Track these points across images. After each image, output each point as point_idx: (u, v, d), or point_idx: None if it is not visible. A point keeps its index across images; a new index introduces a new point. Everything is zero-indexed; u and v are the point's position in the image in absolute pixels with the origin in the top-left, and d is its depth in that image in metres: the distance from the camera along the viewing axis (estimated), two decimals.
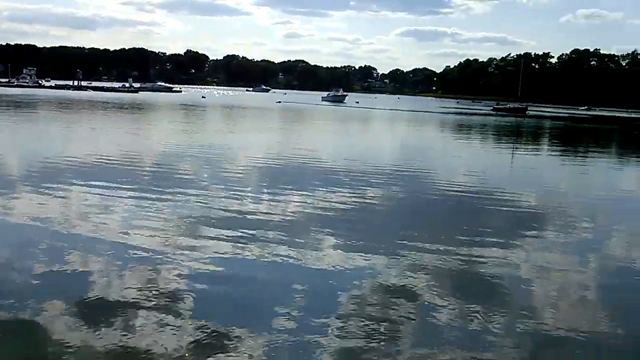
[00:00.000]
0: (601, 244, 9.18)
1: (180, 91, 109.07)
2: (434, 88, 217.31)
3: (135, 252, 7.42)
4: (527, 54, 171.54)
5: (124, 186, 11.76)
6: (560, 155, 27.14)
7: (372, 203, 11.58)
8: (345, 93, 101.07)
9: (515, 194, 13.47)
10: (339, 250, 7.93)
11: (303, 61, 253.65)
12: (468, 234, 9.17)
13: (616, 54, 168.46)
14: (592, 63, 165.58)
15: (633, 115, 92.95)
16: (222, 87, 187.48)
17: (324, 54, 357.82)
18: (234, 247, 7.84)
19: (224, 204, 10.56)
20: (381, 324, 5.55)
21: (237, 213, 9.87)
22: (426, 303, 6.15)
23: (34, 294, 5.86)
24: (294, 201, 11.22)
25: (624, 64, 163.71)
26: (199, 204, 10.43)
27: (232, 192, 11.64)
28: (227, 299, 6.09)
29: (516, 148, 29.37)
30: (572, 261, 8.02)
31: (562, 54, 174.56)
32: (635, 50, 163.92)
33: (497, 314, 5.91)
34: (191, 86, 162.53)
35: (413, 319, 5.72)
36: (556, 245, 8.83)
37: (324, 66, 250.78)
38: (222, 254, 7.52)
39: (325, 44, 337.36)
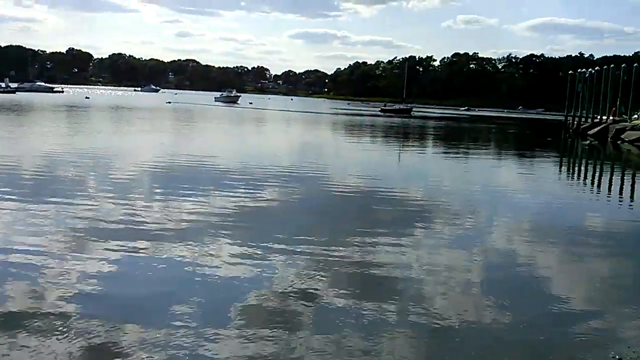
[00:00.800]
0: (484, 237, 9.84)
1: (62, 91, 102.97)
2: (326, 90, 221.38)
3: (22, 259, 7.01)
4: (412, 57, 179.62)
5: (1, 193, 11.02)
6: (442, 153, 28.79)
7: (267, 203, 11.63)
8: (238, 94, 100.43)
9: (404, 191, 14.16)
10: (236, 253, 7.88)
11: (194, 61, 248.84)
12: (362, 231, 9.47)
13: (493, 57, 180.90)
14: (471, 66, 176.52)
15: (509, 115, 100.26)
16: (108, 87, 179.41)
17: (216, 54, 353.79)
18: (124, 255, 7.60)
19: (110, 211, 10.17)
20: (281, 326, 5.59)
21: (124, 220, 9.55)
22: (323, 302, 6.27)
23: None
24: (187, 205, 11.01)
25: (500, 67, 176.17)
26: (82, 212, 9.97)
27: (119, 199, 11.19)
28: (117, 309, 5.88)
29: (402, 147, 30.75)
30: (457, 252, 8.50)
31: (444, 57, 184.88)
32: (510, 54, 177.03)
33: (392, 308, 6.14)
34: (74, 86, 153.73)
35: (311, 317, 5.83)
36: (442, 238, 9.35)
37: (216, 66, 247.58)
38: (111, 263, 7.25)
39: (216, 43, 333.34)
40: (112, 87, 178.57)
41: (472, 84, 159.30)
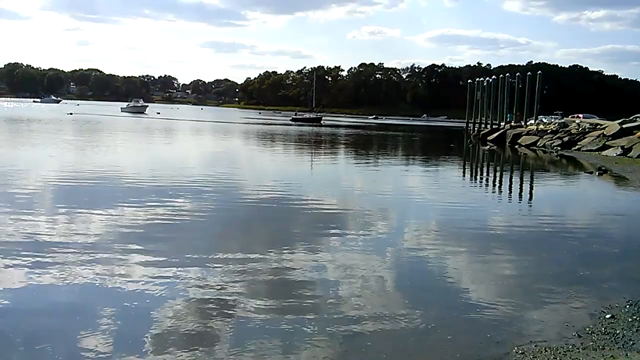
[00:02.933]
0: (395, 238, 10.17)
1: None
2: (236, 99, 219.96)
3: None
4: (321, 67, 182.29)
5: None
6: (353, 160, 29.42)
7: (180, 216, 11.34)
8: (145, 104, 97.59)
9: (318, 198, 14.31)
10: (147, 267, 7.63)
11: (97, 70, 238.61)
12: (275, 241, 9.50)
13: (397, 67, 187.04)
14: (377, 76, 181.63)
15: (414, 123, 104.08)
16: (4, 98, 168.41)
17: (120, 63, 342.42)
18: (27, 274, 7.19)
19: (16, 227, 9.53)
20: (198, 342, 5.49)
21: (31, 237, 8.96)
22: (240, 315, 6.22)
23: None
24: (94, 220, 10.53)
25: (404, 77, 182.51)
26: None
27: (25, 214, 10.52)
28: (25, 335, 5.52)
29: (313, 155, 31.10)
30: (371, 256, 8.72)
31: (351, 67, 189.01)
32: (413, 64, 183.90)
33: (309, 317, 6.21)
34: None
35: (228, 326, 5.78)
36: (356, 242, 9.54)
37: (121, 75, 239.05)
38: (14, 283, 6.80)
39: (120, 52, 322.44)
40: (8, 98, 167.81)
41: (378, 93, 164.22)
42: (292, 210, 12.86)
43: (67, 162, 20.91)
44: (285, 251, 8.84)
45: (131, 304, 6.38)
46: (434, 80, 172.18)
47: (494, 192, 18.59)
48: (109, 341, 5.37)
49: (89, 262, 7.76)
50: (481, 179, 23.24)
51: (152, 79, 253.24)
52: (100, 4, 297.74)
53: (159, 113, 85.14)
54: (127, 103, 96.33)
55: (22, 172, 17.24)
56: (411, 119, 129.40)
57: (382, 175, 22.43)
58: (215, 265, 7.92)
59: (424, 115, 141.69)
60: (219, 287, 7.02)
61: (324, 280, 7.49)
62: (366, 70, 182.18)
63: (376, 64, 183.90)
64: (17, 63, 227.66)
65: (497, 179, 23.28)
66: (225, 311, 6.23)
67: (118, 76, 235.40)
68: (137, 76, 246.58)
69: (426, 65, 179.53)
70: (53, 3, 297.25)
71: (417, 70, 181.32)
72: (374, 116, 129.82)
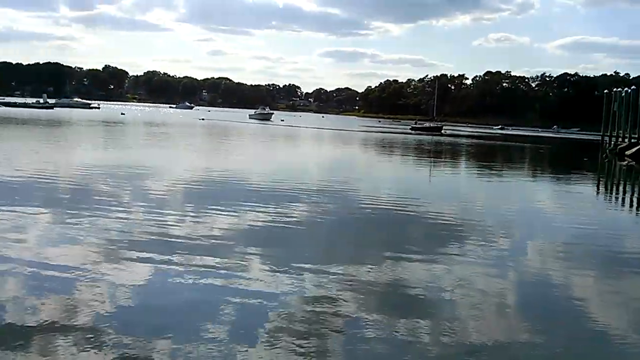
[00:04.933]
0: (518, 257, 9.64)
1: (99, 107, 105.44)
2: (356, 107, 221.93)
3: (54, 271, 7.13)
4: (444, 75, 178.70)
5: (38, 207, 11.26)
6: (476, 171, 28.45)
7: (299, 220, 11.60)
8: (271, 111, 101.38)
9: (437, 209, 13.91)
10: (265, 269, 7.89)
11: (227, 78, 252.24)
12: (392, 249, 9.38)
13: (526, 76, 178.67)
14: (504, 84, 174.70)
15: (543, 135, 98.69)
16: (143, 104, 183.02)
17: (248, 72, 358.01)
18: (157, 268, 7.70)
19: (147, 224, 10.30)
20: (310, 341, 5.56)
21: (161, 232, 9.64)
22: (353, 319, 6.20)
23: None
24: (221, 221, 11.12)
25: (533, 86, 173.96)
26: (119, 225, 10.15)
27: (156, 212, 11.35)
28: (150, 323, 5.93)
29: (434, 164, 30.49)
30: (492, 274, 8.34)
31: (476, 76, 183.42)
32: (544, 73, 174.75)
33: (423, 326, 6.05)
34: (110, 102, 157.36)
35: (341, 335, 5.77)
36: (477, 259, 9.16)
37: (248, 84, 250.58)
38: (145, 276, 7.36)
39: (248, 62, 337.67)
40: (147, 104, 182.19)
41: (505, 103, 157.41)
42: (406, 219, 12.65)
43: (207, 165, 22.20)
44: (401, 262, 8.70)
45: (248, 302, 6.60)
46: (565, 89, 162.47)
47: (630, 213, 17.09)
48: (225, 338, 5.58)
49: (211, 261, 8.14)
50: (616, 197, 21.47)
51: (277, 87, 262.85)
52: (232, 16, 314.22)
53: (283, 120, 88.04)
54: (254, 110, 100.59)
55: (160, 173, 18.57)
56: (540, 130, 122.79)
57: (504, 189, 21.47)
58: (331, 270, 7.97)
59: (554, 126, 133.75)
60: (334, 292, 7.05)
61: (441, 294, 7.27)
62: (492, 79, 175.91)
63: (503, 72, 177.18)
64: (155, 71, 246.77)
65: (635, 198, 21.38)
66: (336, 319, 6.24)
67: (245, 84, 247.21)
68: (263, 85, 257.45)
69: (558, 74, 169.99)
70: (188, 15, 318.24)
71: (547, 79, 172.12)
72: (500, 126, 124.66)
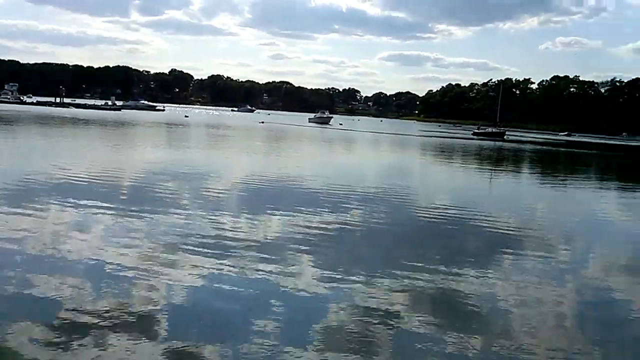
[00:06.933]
0: (577, 271, 9.32)
1: (164, 109, 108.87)
2: (416, 111, 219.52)
3: (115, 269, 7.42)
4: (508, 80, 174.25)
5: (102, 204, 11.71)
6: (538, 179, 27.55)
7: (353, 226, 11.61)
8: (330, 115, 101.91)
9: (495, 218, 13.57)
10: (318, 273, 7.95)
11: (287, 82, 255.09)
12: (447, 259, 9.25)
13: (595, 81, 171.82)
14: (571, 89, 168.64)
15: (613, 143, 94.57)
16: (206, 107, 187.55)
17: (308, 76, 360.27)
18: (213, 268, 7.86)
19: (204, 224, 10.57)
20: (359, 348, 5.57)
21: (217, 234, 9.88)
22: (404, 328, 6.19)
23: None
24: (276, 222, 11.26)
25: (602, 91, 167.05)
26: (180, 224, 10.44)
27: (213, 213, 11.65)
28: (206, 320, 6.08)
29: (494, 171, 29.74)
30: (549, 288, 8.09)
31: (543, 80, 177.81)
32: (614, 78, 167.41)
33: (475, 340, 5.97)
34: (175, 105, 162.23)
35: (390, 343, 5.76)
36: (534, 272, 8.90)
37: (308, 88, 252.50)
38: (201, 274, 7.53)
39: (309, 66, 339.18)
40: (210, 107, 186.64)
41: (572, 109, 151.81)
42: (464, 225, 12.39)
43: (267, 167, 22.53)
44: (453, 269, 8.54)
45: (297, 302, 6.67)
46: (637, 95, 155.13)
47: None
48: (276, 333, 5.63)
49: (265, 262, 8.27)
50: None
51: (337, 91, 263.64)
52: (295, 20, 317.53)
53: (341, 124, 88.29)
54: (314, 114, 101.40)
55: (217, 175, 18.99)
56: (608, 137, 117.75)
57: (562, 197, 20.70)
58: (382, 277, 7.92)
59: (624, 133, 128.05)
60: (384, 300, 7.00)
61: (493, 305, 7.12)
62: (559, 84, 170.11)
63: (571, 76, 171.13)
64: (219, 75, 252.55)
65: None
66: (387, 325, 6.20)
67: (306, 88, 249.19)
68: (324, 89, 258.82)
69: (629, 79, 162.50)
70: (252, 20, 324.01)
71: (618, 84, 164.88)
72: (566, 133, 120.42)
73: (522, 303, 7.25)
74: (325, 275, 7.85)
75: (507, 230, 12.32)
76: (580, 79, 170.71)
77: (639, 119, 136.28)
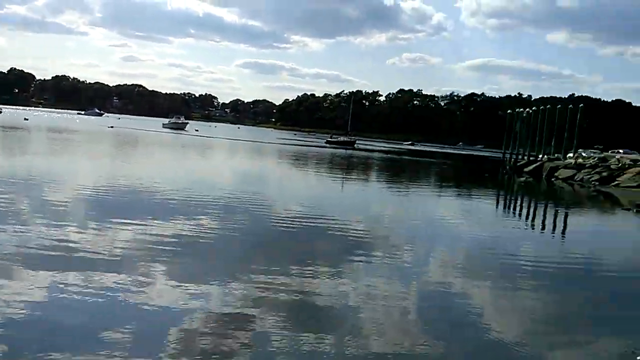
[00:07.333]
0: (420, 270, 10.03)
1: (1, 112, 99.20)
2: (273, 119, 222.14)
3: None
4: (359, 92, 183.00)
5: None
6: (385, 185, 29.29)
7: (208, 234, 11.46)
8: (186, 121, 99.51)
9: (346, 223, 14.15)
10: (171, 282, 7.74)
11: (140, 86, 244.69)
12: (300, 263, 9.46)
13: (436, 95, 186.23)
14: (415, 102, 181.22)
15: (450, 151, 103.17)
16: (50, 109, 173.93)
17: (163, 79, 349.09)
18: (56, 281, 7.32)
19: (45, 236, 9.79)
20: (214, 355, 5.53)
21: (60, 245, 9.19)
22: (260, 331, 6.24)
23: None
24: (125, 233, 10.77)
25: (442, 104, 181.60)
26: (16, 236, 9.58)
27: (54, 224, 10.81)
28: (46, 334, 5.65)
29: (346, 178, 31.08)
30: (394, 287, 8.62)
31: (390, 93, 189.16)
32: (452, 92, 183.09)
33: (328, 339, 6.17)
34: (14, 107, 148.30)
35: (247, 348, 5.79)
36: (381, 272, 9.44)
37: (163, 92, 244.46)
38: (42, 287, 6.96)
39: (164, 69, 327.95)
40: (54, 110, 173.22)
41: (415, 120, 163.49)
42: (317, 231, 12.84)
43: (113, 175, 21.41)
44: (307, 273, 8.81)
45: (150, 314, 6.47)
46: (472, 109, 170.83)
47: (525, 225, 18.22)
48: (127, 351, 5.44)
49: (114, 274, 7.89)
50: (514, 210, 22.83)
51: (193, 97, 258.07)
52: (148, 22, 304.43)
53: (197, 130, 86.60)
54: (168, 119, 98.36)
55: (59, 182, 17.73)
56: (447, 146, 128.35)
57: (408, 201, 22.27)
58: (237, 283, 7.95)
59: (460, 143, 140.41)
60: (239, 305, 7.05)
61: (345, 305, 7.44)
62: (404, 97, 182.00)
63: (415, 90, 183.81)
64: (64, 75, 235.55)
65: (530, 212, 22.82)
66: (242, 331, 6.24)
67: (160, 92, 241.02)
68: (179, 93, 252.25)
69: (465, 94, 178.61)
70: (102, 19, 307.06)
71: (456, 98, 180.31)
72: (410, 142, 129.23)
73: (371, 302, 7.65)
74: (178, 284, 7.67)
75: (358, 234, 12.94)
76: (423, 92, 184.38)
77: (473, 130, 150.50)
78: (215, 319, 6.51)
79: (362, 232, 13.27)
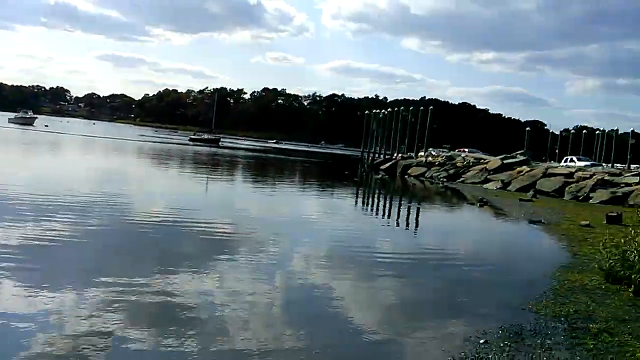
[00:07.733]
0: (285, 266, 10.23)
1: None
2: (132, 115, 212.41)
3: None
4: (223, 89, 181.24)
5: None
6: (250, 183, 29.38)
7: (60, 238, 10.68)
8: (35, 115, 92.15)
9: (211, 222, 14.07)
10: (16, 291, 7.15)
11: None
12: (163, 264, 9.25)
13: (299, 94, 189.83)
14: (279, 101, 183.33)
15: (313, 150, 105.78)
16: None
17: (9, 70, 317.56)
18: None
19: None
20: None
21: None
22: (119, 336, 6.01)
23: None
24: None
25: (305, 104, 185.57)
26: None
27: None
28: None
29: (210, 177, 30.70)
30: (259, 280, 8.71)
31: (254, 91, 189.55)
32: (315, 92, 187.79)
33: (192, 340, 6.10)
34: None
35: (104, 355, 5.58)
36: (247, 270, 9.49)
37: (9, 84, 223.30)
38: None
39: (10, 60, 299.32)
40: None
41: (279, 118, 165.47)
42: (180, 231, 12.60)
43: None
44: (170, 274, 8.64)
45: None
46: (333, 109, 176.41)
47: (381, 220, 19.27)
48: None
49: None
50: (371, 206, 24.03)
51: (43, 89, 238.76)
52: None
53: (46, 126, 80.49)
54: (15, 114, 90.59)
55: None
56: (310, 145, 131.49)
57: (272, 199, 22.61)
58: (93, 289, 7.58)
59: (322, 142, 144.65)
60: (96, 312, 6.73)
61: (210, 305, 7.40)
62: (268, 95, 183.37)
63: (279, 89, 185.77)
64: None
65: (385, 206, 24.17)
66: (101, 340, 5.99)
67: (6, 85, 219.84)
68: (27, 86, 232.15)
69: (327, 95, 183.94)
70: None
71: (318, 98, 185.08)
72: (275, 141, 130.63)
73: (235, 299, 7.66)
74: (26, 293, 7.13)
75: (222, 233, 12.89)
76: (287, 91, 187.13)
77: (334, 129, 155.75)
78: (70, 325, 6.17)
79: (226, 231, 13.25)
